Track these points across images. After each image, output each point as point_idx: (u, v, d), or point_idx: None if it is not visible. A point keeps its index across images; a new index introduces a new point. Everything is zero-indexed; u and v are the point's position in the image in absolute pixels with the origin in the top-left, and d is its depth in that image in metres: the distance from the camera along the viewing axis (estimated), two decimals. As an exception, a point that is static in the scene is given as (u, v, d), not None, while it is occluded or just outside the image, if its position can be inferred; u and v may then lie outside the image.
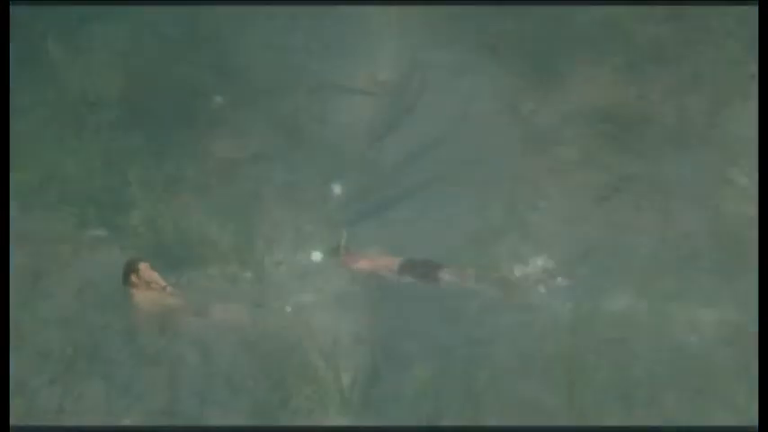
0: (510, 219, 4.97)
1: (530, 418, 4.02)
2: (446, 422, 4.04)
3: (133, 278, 4.50)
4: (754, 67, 5.10)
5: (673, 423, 3.99)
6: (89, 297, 4.64)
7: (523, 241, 4.89)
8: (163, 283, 4.53)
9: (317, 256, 4.90)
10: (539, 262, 4.77)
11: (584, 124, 5.32)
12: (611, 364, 4.29)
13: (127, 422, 4.11)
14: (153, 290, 4.54)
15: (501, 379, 4.29)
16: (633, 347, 4.39)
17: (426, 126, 5.48)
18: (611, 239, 4.84)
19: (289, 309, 4.64)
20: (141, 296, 4.55)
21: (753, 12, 5.26)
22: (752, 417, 3.52)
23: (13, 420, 3.93)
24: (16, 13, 5.51)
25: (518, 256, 4.82)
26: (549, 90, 5.54)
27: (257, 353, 4.40)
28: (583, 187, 5.09)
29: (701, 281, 4.54)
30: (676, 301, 4.50)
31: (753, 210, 4.61)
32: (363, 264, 4.79)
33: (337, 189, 5.19)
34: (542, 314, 4.59)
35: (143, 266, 4.51)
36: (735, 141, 5.01)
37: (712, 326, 4.11)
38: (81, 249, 4.81)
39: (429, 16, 6.08)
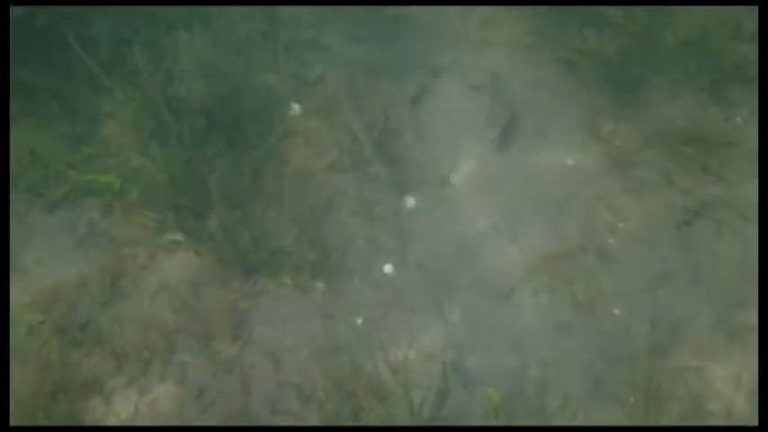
0: (587, 239, 4.89)
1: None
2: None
3: None
4: None
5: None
6: (164, 300, 4.73)
7: (600, 262, 4.82)
8: None
9: (388, 268, 4.90)
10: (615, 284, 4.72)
11: (665, 146, 5.22)
12: (687, 393, 4.22)
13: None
14: None
15: (573, 403, 4.25)
16: (710, 374, 4.31)
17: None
18: (691, 264, 4.74)
19: (359, 321, 4.66)
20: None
21: None
22: None
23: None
24: (101, 19, 5.67)
25: (593, 277, 4.76)
26: (629, 109, 5.45)
27: (328, 365, 4.44)
28: (662, 211, 4.99)
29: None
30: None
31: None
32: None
33: (411, 202, 5.18)
34: (617, 338, 4.53)
35: None
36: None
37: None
38: (158, 253, 4.89)
39: (508, 30, 6.05)
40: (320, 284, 4.77)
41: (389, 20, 6.12)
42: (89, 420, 4.20)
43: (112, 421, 4.22)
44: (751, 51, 5.59)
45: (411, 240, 5.01)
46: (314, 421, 4.20)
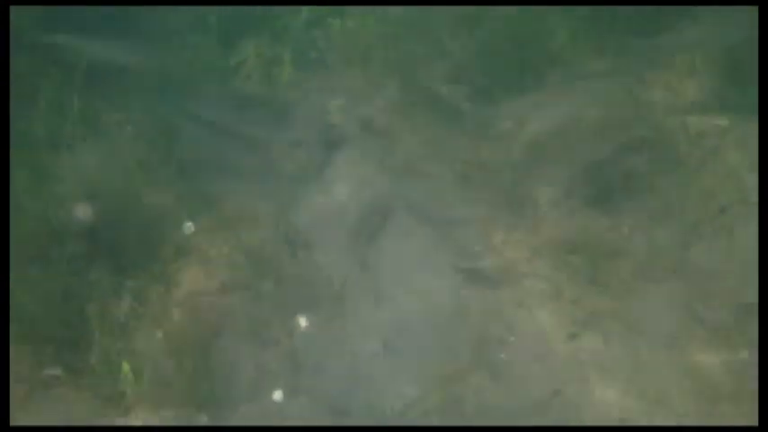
0: (478, 356, 4.85)
1: None
2: None
3: None
4: (724, 200, 5.10)
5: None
6: (40, 442, 4.52)
7: (491, 381, 4.77)
8: None
9: (278, 395, 4.78)
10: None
11: (553, 256, 5.24)
12: None
13: None
14: None
15: None
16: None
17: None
18: (579, 380, 4.71)
19: (241, 459, 4.51)
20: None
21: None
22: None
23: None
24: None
25: (484, 396, 4.71)
26: (520, 220, 5.48)
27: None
28: (552, 323, 4.98)
29: None
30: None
31: (725, 354, 4.55)
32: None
33: (303, 322, 5.10)
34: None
35: None
36: (705, 277, 4.91)
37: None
38: (36, 389, 4.70)
39: (406, 142, 6.07)
40: (204, 417, 4.62)
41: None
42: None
43: None
44: (640, 161, 5.64)
45: (303, 364, 4.91)
46: None
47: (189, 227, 5.63)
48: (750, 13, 5.62)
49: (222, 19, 6.52)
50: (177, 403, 4.63)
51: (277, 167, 5.85)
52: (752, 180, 5.20)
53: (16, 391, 4.70)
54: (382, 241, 5.48)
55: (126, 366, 4.63)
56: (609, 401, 4.58)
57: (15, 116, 5.61)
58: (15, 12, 5.44)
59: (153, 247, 5.38)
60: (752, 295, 4.69)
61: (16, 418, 4.55)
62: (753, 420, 4.10)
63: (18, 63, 5.73)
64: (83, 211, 5.29)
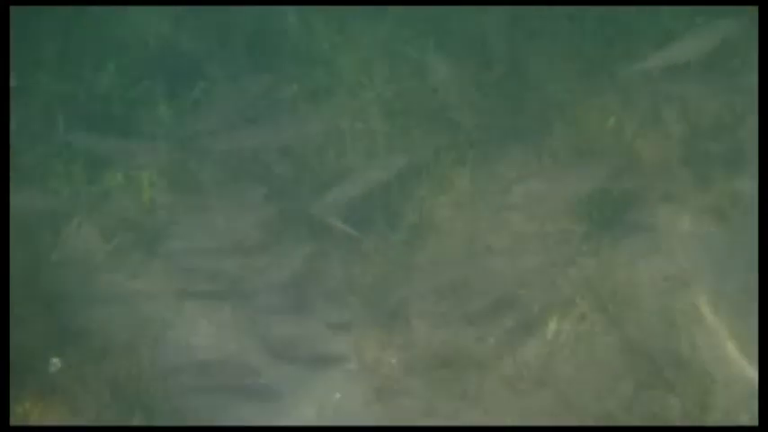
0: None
1: None
2: None
3: None
4: (583, 308, 5.29)
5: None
6: None
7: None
8: None
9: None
10: None
11: (425, 371, 5.32)
12: None
13: None
14: None
15: None
16: None
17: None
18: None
19: None
20: None
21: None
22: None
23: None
24: None
25: None
26: (393, 336, 5.56)
27: None
28: (426, 440, 5.03)
29: None
30: None
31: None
32: None
33: (176, 457, 5.00)
34: None
35: None
36: (568, 386, 5.07)
37: None
38: None
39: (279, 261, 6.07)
40: None
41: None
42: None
43: None
44: (501, 265, 5.79)
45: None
46: None
47: (55, 363, 5.46)
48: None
49: (90, 144, 6.49)
50: None
51: (146, 296, 5.78)
52: (608, 288, 5.41)
53: None
54: (254, 366, 5.44)
55: None
56: None
57: None
58: None
59: (16, 388, 5.17)
60: (612, 403, 4.89)
61: None
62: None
63: None
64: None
